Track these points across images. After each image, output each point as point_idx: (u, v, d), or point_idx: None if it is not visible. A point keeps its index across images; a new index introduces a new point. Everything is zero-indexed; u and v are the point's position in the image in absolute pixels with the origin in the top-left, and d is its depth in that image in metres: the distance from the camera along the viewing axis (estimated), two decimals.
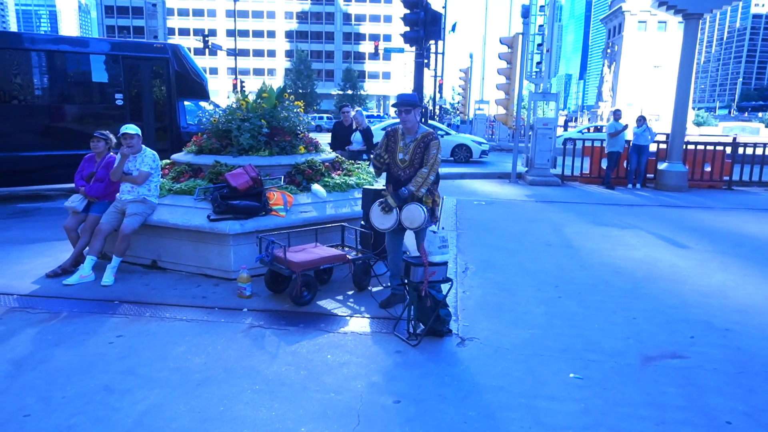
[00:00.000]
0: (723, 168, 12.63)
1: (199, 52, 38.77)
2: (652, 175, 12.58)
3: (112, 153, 5.57)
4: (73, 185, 5.62)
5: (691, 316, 4.38)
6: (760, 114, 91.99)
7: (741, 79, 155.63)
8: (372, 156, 4.50)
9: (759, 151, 13.03)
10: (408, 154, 4.21)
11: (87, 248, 5.15)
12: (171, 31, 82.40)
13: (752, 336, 4.02)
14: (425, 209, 4.07)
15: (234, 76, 40.28)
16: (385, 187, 4.54)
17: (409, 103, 4.15)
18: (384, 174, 4.51)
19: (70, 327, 3.94)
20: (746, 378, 3.36)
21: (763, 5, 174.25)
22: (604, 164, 12.86)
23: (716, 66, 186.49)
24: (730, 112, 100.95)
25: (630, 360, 3.58)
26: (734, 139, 14.07)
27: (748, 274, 5.61)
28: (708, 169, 12.65)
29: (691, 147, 12.74)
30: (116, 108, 10.01)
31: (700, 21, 11.99)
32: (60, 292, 4.68)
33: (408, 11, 14.80)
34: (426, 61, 17.29)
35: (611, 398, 3.08)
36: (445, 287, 3.90)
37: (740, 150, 13.14)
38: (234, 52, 39.01)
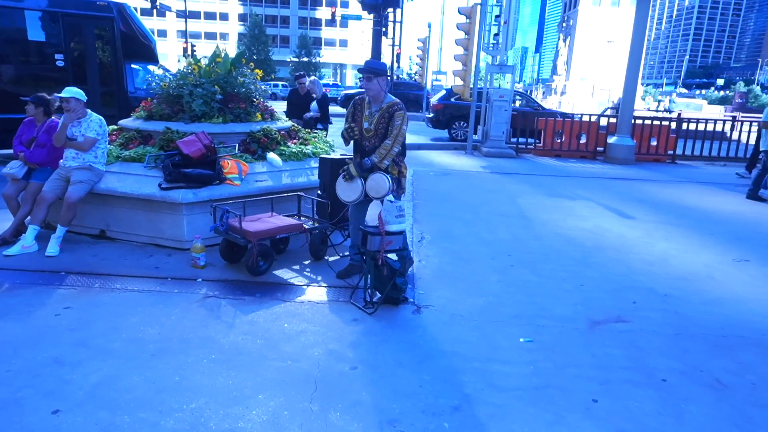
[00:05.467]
0: (668, 142, 13.16)
1: (146, 12, 36.77)
2: (602, 148, 12.97)
3: (54, 117, 5.28)
4: (11, 151, 5.31)
5: (635, 283, 4.60)
6: (702, 91, 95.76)
7: (687, 57, 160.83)
8: (344, 127, 4.32)
9: (701, 126, 13.65)
10: (373, 123, 4.10)
11: (29, 217, 4.91)
12: None
13: (690, 301, 4.27)
14: (390, 178, 4.01)
15: (184, 40, 38.57)
16: (343, 156, 4.48)
17: (371, 71, 4.01)
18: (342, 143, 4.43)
19: (13, 299, 3.78)
20: (683, 339, 3.58)
21: None
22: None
23: (665, 43, 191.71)
24: (676, 89, 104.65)
25: (578, 324, 3.75)
26: (679, 114, 14.61)
27: (690, 244, 5.92)
28: (654, 143, 13.15)
29: (639, 122, 13.18)
30: (57, 70, 9.45)
31: None
32: (0, 263, 4.46)
33: None
34: (384, 29, 17.06)
35: (560, 360, 3.23)
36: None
37: (684, 125, 13.71)
38: (184, 14, 37.30)
